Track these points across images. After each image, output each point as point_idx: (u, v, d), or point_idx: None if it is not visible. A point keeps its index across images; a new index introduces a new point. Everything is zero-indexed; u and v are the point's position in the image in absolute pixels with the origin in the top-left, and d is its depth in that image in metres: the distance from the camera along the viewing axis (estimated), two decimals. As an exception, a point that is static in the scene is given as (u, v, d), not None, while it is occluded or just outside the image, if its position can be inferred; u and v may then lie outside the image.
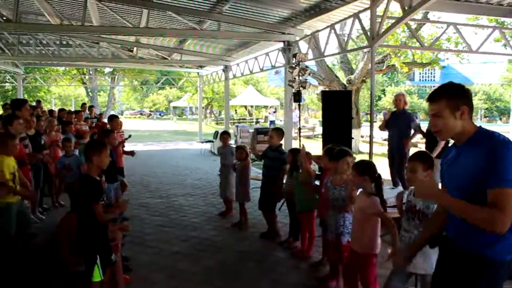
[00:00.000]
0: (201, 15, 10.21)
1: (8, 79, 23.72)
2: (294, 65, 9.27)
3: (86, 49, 16.90)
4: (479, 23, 14.44)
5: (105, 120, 12.00)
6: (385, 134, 8.83)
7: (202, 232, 6.65)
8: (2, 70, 20.73)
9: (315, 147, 11.73)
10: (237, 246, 6.07)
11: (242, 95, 38.35)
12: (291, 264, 5.35)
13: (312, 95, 35.27)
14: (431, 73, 56.41)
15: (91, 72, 32.95)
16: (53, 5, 11.05)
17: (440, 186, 2.50)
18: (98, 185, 3.70)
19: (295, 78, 9.22)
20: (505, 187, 2.07)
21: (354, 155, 4.68)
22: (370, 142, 8.01)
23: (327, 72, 17.32)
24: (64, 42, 15.85)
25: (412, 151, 5.56)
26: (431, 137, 7.08)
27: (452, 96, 2.30)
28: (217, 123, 40.75)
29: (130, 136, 9.60)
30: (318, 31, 10.12)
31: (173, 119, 49.21)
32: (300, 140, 9.35)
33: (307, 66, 9.80)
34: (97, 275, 3.58)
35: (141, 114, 58.79)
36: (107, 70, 33.02)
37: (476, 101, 43.87)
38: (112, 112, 34.56)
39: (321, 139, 10.28)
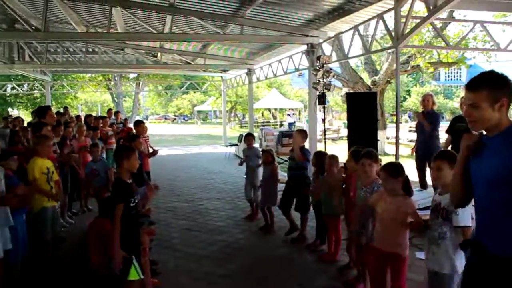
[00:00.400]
0: (224, 20, 10.27)
1: (37, 86, 24.30)
2: (318, 68, 9.23)
3: (111, 56, 17.24)
4: (506, 20, 14.10)
5: (131, 125, 12.15)
6: (411, 135, 8.72)
7: (228, 236, 6.67)
8: (31, 78, 21.25)
9: (340, 150, 11.65)
10: (263, 250, 6.06)
11: (266, 98, 38.26)
12: (318, 268, 5.31)
13: (336, 97, 34.90)
14: (457, 73, 55.18)
15: (116, 78, 33.42)
16: (79, 14, 11.29)
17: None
18: (129, 187, 3.78)
19: (319, 81, 9.17)
20: None
21: (379, 157, 4.63)
22: (396, 144, 7.94)
23: (351, 73, 17.20)
24: (90, 49, 16.16)
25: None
26: (454, 135, 7.03)
27: (494, 87, 2.15)
28: (241, 127, 40.73)
29: (156, 152, 8.47)
30: (342, 32, 10.07)
31: (197, 123, 49.44)
32: (325, 143, 9.31)
33: (331, 68, 9.74)
34: (134, 274, 3.65)
35: (165, 118, 59.11)
36: (131, 75, 33.40)
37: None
38: (137, 117, 35.06)
39: (346, 141, 10.21)
